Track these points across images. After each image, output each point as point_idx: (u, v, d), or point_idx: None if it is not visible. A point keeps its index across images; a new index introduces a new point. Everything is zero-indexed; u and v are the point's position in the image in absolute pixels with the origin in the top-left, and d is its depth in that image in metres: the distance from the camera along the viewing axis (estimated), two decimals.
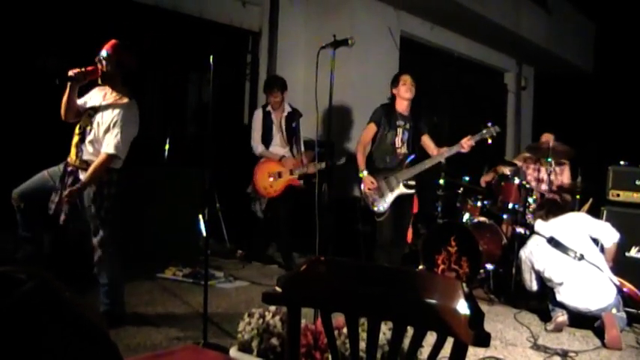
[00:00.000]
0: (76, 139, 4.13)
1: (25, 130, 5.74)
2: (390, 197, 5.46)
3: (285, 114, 6.38)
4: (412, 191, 5.55)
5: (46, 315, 1.22)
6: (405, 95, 5.50)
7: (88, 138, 4.09)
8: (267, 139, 6.35)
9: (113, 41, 4.15)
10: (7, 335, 1.16)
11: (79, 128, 4.14)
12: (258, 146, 6.36)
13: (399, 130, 5.53)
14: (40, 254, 4.17)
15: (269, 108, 6.36)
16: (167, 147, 6.57)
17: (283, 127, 6.35)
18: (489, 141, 5.38)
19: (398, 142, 5.53)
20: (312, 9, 8.73)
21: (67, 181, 4.06)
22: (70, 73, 3.99)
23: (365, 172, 5.45)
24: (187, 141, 7.35)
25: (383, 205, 5.46)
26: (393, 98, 5.62)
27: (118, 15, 6.42)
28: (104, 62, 4.09)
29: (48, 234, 4.38)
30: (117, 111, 4.09)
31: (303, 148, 6.47)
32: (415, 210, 5.93)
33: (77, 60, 4.07)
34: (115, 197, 4.13)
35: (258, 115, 6.40)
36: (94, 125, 4.10)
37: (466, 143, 5.33)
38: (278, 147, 6.39)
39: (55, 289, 1.28)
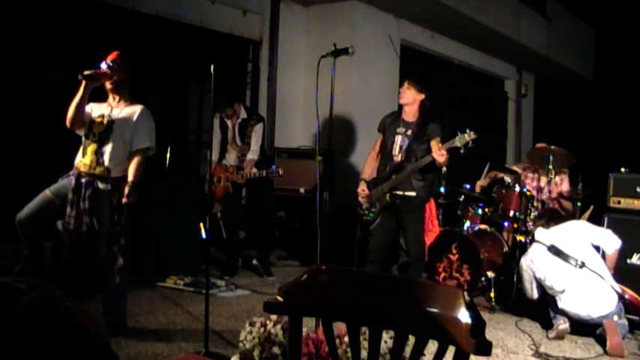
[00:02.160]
0: (93, 146, 4.13)
1: (24, 137, 5.74)
2: (377, 207, 5.28)
3: (240, 120, 6.39)
4: (399, 202, 5.18)
5: (48, 324, 1.22)
6: (400, 102, 5.32)
7: (110, 143, 4.11)
8: (223, 144, 6.45)
9: (115, 52, 4.19)
10: (10, 344, 1.17)
11: (94, 136, 4.15)
12: (213, 151, 6.29)
13: (397, 138, 5.27)
14: (41, 267, 4.14)
15: (224, 115, 6.40)
16: (168, 156, 6.57)
17: (236, 132, 6.39)
18: (462, 150, 4.88)
19: (395, 149, 5.27)
20: (312, 18, 8.76)
21: (85, 193, 4.03)
22: (87, 72, 4.00)
23: (362, 181, 5.33)
24: (188, 150, 7.36)
25: (371, 214, 5.29)
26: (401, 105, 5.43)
27: (119, 24, 6.44)
28: (115, 70, 4.13)
29: (49, 244, 4.36)
30: (138, 113, 4.21)
31: (255, 156, 6.34)
32: (433, 225, 5.58)
33: (76, 67, 4.08)
34: (133, 205, 4.16)
35: (215, 120, 6.40)
36: (116, 130, 4.13)
37: (436, 153, 4.87)
38: (230, 152, 6.45)
39: (56, 299, 1.28)
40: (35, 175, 4.32)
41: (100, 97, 4.28)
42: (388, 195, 5.20)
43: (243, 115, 6.40)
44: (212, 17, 7.59)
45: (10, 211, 4.06)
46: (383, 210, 5.27)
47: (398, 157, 5.26)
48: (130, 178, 4.10)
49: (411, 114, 5.30)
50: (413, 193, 5.20)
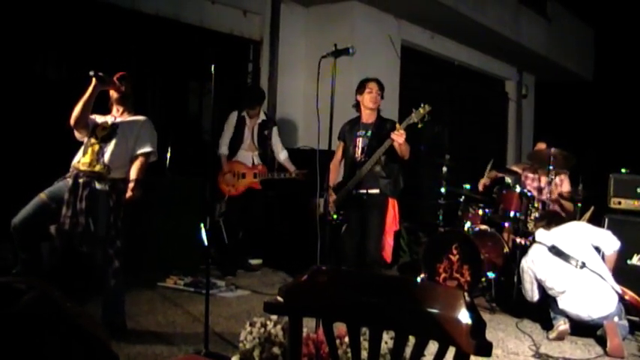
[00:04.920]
0: (95, 147, 4.15)
1: (24, 137, 5.73)
2: (343, 208, 5.27)
3: (260, 121, 6.65)
4: (363, 198, 5.19)
5: (48, 325, 1.22)
6: (368, 104, 5.27)
7: (111, 146, 4.14)
8: (237, 142, 6.61)
9: (122, 72, 4.29)
10: (10, 344, 1.17)
11: (96, 138, 4.18)
12: (222, 147, 6.64)
13: (359, 141, 5.28)
14: (39, 269, 4.14)
15: (245, 114, 6.64)
16: (168, 156, 6.58)
17: (255, 133, 6.60)
18: (419, 124, 4.89)
19: (357, 152, 5.28)
20: (312, 18, 8.76)
21: (82, 193, 4.02)
22: (100, 73, 4.05)
23: (329, 188, 5.20)
24: (188, 150, 7.35)
25: (340, 217, 5.28)
26: (357, 105, 5.39)
27: (119, 23, 6.44)
28: (123, 82, 4.24)
29: (46, 245, 4.36)
30: (141, 123, 4.31)
31: (282, 156, 6.75)
32: (396, 226, 5.59)
33: (76, 67, 4.10)
34: (130, 206, 4.17)
35: (233, 118, 6.65)
36: (119, 133, 4.18)
37: (395, 135, 4.81)
38: (245, 150, 6.64)
39: (56, 300, 1.28)
40: (35, 175, 4.32)
41: (103, 110, 4.35)
42: (354, 192, 5.21)
43: (263, 117, 6.67)
44: (212, 17, 7.59)
45: (10, 212, 4.05)
46: (350, 210, 5.27)
47: (361, 159, 5.27)
48: (133, 176, 4.15)
49: (370, 117, 5.34)
50: (377, 191, 5.22)
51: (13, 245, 4.17)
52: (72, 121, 4.14)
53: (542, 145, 6.71)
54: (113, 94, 4.28)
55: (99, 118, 4.30)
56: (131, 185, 4.11)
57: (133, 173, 4.17)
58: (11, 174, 5.46)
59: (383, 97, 5.37)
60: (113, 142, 4.15)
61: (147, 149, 4.25)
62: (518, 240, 5.90)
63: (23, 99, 5.79)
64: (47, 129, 5.52)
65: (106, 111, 4.37)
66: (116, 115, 4.32)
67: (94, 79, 4.03)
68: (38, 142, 5.71)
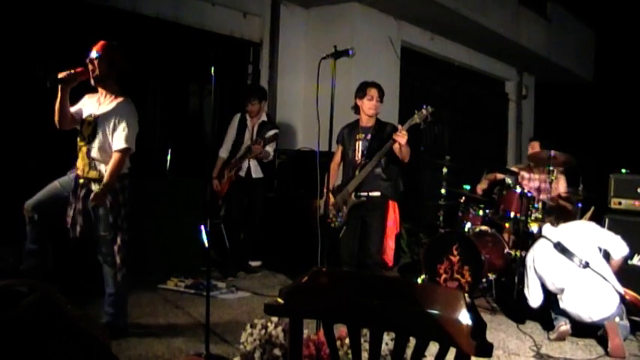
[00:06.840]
0: (84, 149, 4.12)
1: (25, 142, 5.74)
2: (344, 211, 5.24)
3: (260, 121, 6.57)
4: (363, 200, 5.16)
5: (48, 328, 1.22)
6: (368, 112, 5.24)
7: (96, 144, 4.08)
8: (238, 143, 6.56)
9: (102, 42, 4.14)
10: (11, 347, 1.17)
11: (83, 138, 4.13)
12: (222, 149, 6.60)
13: (358, 144, 5.26)
14: (45, 266, 4.15)
15: (246, 114, 6.59)
16: (168, 158, 6.59)
17: (255, 133, 6.53)
18: (422, 125, 4.89)
19: (357, 155, 5.25)
20: (312, 19, 8.76)
21: (80, 194, 4.05)
22: (60, 75, 3.96)
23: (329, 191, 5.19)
24: (189, 152, 7.36)
25: (339, 219, 5.25)
26: (356, 108, 5.34)
27: (120, 26, 6.44)
28: (96, 63, 4.07)
29: (51, 244, 4.36)
30: (118, 109, 4.12)
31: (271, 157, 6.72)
32: (397, 229, 5.55)
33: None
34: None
35: (235, 120, 6.62)
36: (99, 130, 4.09)
37: (397, 136, 4.78)
38: None
39: (56, 302, 1.28)
40: (37, 178, 4.31)
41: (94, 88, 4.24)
42: (353, 195, 5.18)
43: (264, 118, 6.61)
44: (212, 19, 7.59)
45: (12, 215, 4.06)
46: (350, 213, 5.24)
47: (361, 161, 5.24)
48: (106, 178, 4.02)
49: (370, 120, 5.32)
50: (377, 193, 5.21)
51: (15, 248, 4.18)
52: (57, 125, 4.12)
53: (535, 145, 6.71)
54: (91, 79, 4.10)
55: (87, 106, 4.20)
56: (97, 189, 3.99)
57: (106, 175, 4.02)
58: (13, 178, 5.47)
59: (382, 101, 5.34)
60: (96, 143, 4.07)
61: (120, 146, 4.06)
62: (513, 253, 5.91)
63: (25, 103, 5.79)
64: (49, 134, 5.52)
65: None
66: (100, 100, 4.18)
67: (59, 85, 3.95)
68: (39, 147, 5.71)
